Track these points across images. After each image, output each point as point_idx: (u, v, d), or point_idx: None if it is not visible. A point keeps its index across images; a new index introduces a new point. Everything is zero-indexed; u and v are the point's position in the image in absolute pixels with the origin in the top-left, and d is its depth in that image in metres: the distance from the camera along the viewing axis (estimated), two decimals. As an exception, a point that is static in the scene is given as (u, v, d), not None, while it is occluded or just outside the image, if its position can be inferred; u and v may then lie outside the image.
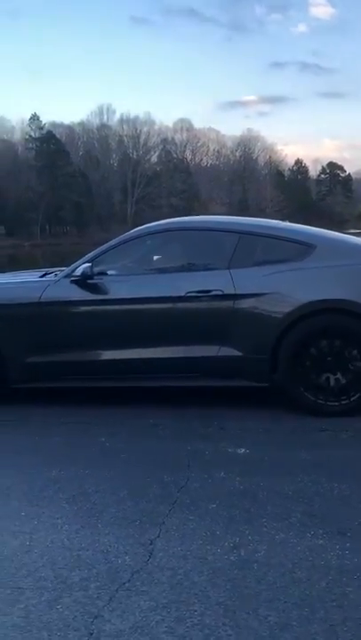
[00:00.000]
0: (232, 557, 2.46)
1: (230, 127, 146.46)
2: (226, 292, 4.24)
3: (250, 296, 4.23)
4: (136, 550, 2.54)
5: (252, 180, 78.85)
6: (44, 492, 3.14)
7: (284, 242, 4.39)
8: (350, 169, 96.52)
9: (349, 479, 3.15)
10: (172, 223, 5.01)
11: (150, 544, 2.58)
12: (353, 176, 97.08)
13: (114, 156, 73.44)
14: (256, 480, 3.18)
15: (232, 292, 4.21)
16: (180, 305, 4.34)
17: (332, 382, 4.14)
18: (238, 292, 4.22)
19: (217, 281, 4.29)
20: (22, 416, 4.38)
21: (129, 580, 2.32)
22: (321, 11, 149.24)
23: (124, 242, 4.68)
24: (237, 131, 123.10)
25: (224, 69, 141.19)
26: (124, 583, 2.30)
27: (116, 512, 2.89)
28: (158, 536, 2.64)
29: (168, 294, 4.36)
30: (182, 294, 4.30)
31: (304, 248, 4.31)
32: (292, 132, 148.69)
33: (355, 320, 4.06)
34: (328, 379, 4.14)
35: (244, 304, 4.22)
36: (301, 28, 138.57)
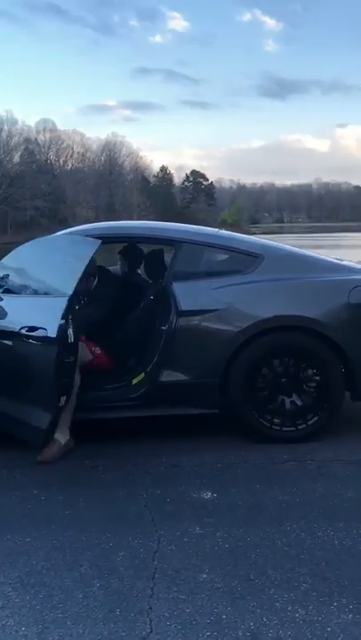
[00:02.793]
0: (257, 654, 1.95)
1: (95, 130, 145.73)
2: (50, 333, 3.18)
3: (196, 313, 3.73)
4: (130, 657, 1.94)
5: (119, 184, 78.44)
6: (-23, 576, 2.40)
7: (229, 252, 3.95)
8: (210, 177, 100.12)
9: (341, 522, 2.76)
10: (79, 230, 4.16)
11: (145, 645, 1.99)
12: (214, 184, 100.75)
13: (-28, 154, 69.17)
14: (239, 533, 2.68)
15: (53, 334, 3.19)
16: (17, 344, 3.33)
17: (287, 405, 3.77)
18: (182, 308, 3.70)
19: (48, 315, 3.25)
20: None
21: None
22: (177, 24, 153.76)
23: (16, 253, 3.78)
24: (103, 134, 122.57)
25: (90, 72, 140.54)
26: None
27: (84, 598, 2.24)
28: (151, 631, 2.05)
29: (5, 327, 3.40)
30: (17, 329, 3.33)
31: (251, 259, 3.90)
32: (157, 138, 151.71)
33: (310, 338, 3.72)
34: (283, 401, 3.77)
35: (188, 322, 3.71)
36: (168, 36, 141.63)
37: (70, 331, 3.27)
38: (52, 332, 3.17)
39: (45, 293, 3.47)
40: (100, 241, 3.53)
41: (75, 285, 3.31)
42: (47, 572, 2.41)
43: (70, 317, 3.28)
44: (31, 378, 3.29)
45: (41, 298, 3.47)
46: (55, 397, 3.25)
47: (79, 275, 3.34)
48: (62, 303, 3.23)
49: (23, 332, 3.28)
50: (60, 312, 3.20)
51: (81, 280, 3.40)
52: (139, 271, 4.79)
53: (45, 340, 3.19)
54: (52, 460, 3.44)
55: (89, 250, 3.48)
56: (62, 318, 3.20)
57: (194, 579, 2.35)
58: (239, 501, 3.00)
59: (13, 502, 3.04)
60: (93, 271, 4.08)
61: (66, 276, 3.39)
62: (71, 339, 3.30)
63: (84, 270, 3.41)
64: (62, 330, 3.19)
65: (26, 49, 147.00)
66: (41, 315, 3.28)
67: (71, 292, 3.27)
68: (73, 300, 3.30)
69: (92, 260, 3.90)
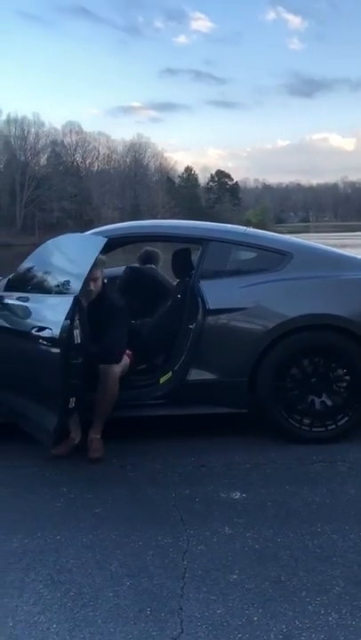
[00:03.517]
0: (289, 657, 1.92)
1: (121, 132, 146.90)
2: (54, 333, 3.11)
3: (224, 311, 3.71)
4: (161, 658, 1.92)
5: (144, 185, 78.67)
6: (8, 573, 2.41)
7: (257, 250, 3.91)
8: (235, 177, 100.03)
9: (373, 525, 2.72)
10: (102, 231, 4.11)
11: (176, 645, 1.98)
12: (239, 184, 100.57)
13: (0, 157, 70.11)
14: (269, 534, 2.65)
15: (56, 334, 3.11)
16: (29, 344, 3.29)
17: (317, 405, 3.72)
18: (210, 307, 3.68)
19: (54, 315, 3.18)
20: None
21: None
22: (202, 24, 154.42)
23: (35, 254, 3.81)
24: (128, 136, 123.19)
25: (117, 73, 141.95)
26: None
27: (114, 597, 2.24)
28: (182, 631, 2.04)
29: (19, 327, 3.43)
30: (28, 329, 3.30)
31: (280, 257, 3.86)
32: (182, 139, 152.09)
33: (341, 336, 3.67)
34: (313, 401, 3.72)
35: (216, 321, 3.69)
36: (194, 37, 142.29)
37: (77, 331, 3.17)
38: (57, 332, 3.13)
39: (55, 293, 3.44)
40: (105, 239, 3.46)
41: (82, 284, 3.26)
42: (77, 570, 2.42)
43: (77, 317, 3.17)
44: (42, 379, 3.28)
45: (50, 297, 3.43)
46: (63, 399, 3.19)
47: (85, 273, 3.27)
48: (68, 302, 3.16)
49: (33, 332, 3.26)
50: (64, 311, 3.12)
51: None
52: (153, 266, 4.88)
53: (51, 340, 3.15)
54: (63, 454, 3.51)
55: (94, 248, 3.38)
56: (67, 318, 3.11)
57: (224, 579, 2.33)
58: (269, 502, 2.96)
59: (43, 500, 3.05)
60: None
61: (73, 275, 3.36)
62: (78, 339, 3.18)
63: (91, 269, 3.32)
64: (66, 330, 3.09)
65: (53, 51, 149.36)
66: (49, 314, 3.25)
67: (77, 292, 3.20)
68: (79, 299, 3.21)
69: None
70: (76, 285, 3.25)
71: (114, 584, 2.32)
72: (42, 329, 3.21)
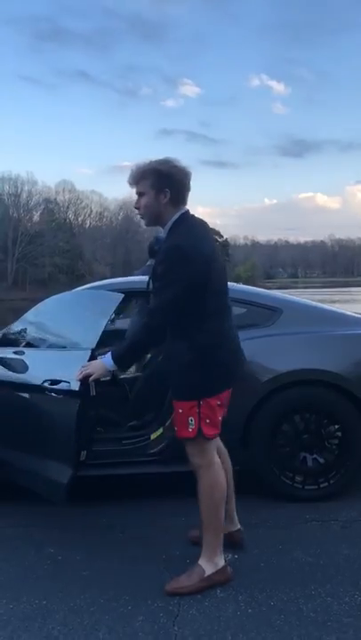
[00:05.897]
0: None
1: (114, 191, 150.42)
2: (73, 386, 3.07)
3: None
4: None
5: (135, 242, 79.93)
6: (-8, 641, 2.32)
7: (247, 305, 3.96)
8: (224, 234, 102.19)
9: (369, 587, 2.65)
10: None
11: None
12: (229, 241, 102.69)
13: (-7, 214, 71.30)
14: (262, 597, 2.58)
15: (76, 388, 3.04)
16: (38, 397, 3.28)
17: (309, 463, 3.69)
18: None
19: (71, 368, 3.08)
20: None
21: None
22: (191, 90, 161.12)
23: (40, 307, 3.86)
24: (121, 194, 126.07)
25: (114, 134, 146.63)
26: None
27: (103, 666, 2.15)
28: None
29: (27, 380, 3.38)
30: (39, 383, 3.27)
31: (270, 312, 3.91)
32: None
33: (332, 392, 3.67)
34: (305, 459, 3.69)
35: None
36: (190, 100, 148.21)
37: (93, 384, 3.21)
38: (76, 386, 3.12)
39: (68, 347, 3.47)
40: (122, 295, 3.55)
41: (97, 339, 3.29)
42: (64, 638, 2.33)
43: None
44: (52, 431, 3.25)
45: (63, 351, 3.46)
46: (76, 451, 3.18)
47: (102, 329, 3.33)
48: (85, 357, 3.19)
49: (46, 385, 3.26)
50: (82, 361, 3.09)
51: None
52: None
53: (68, 393, 3.15)
54: (188, 591, 2.63)
55: (111, 304, 3.47)
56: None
57: (216, 646, 2.25)
58: (261, 563, 2.89)
59: (30, 562, 2.96)
60: None
61: (89, 330, 3.39)
62: (93, 392, 3.26)
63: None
64: (85, 383, 3.13)
65: (52, 113, 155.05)
66: (64, 368, 3.26)
67: (94, 346, 3.25)
68: (96, 353, 3.24)
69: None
70: (91, 340, 3.27)
71: (102, 652, 2.23)
72: (55, 382, 3.22)
